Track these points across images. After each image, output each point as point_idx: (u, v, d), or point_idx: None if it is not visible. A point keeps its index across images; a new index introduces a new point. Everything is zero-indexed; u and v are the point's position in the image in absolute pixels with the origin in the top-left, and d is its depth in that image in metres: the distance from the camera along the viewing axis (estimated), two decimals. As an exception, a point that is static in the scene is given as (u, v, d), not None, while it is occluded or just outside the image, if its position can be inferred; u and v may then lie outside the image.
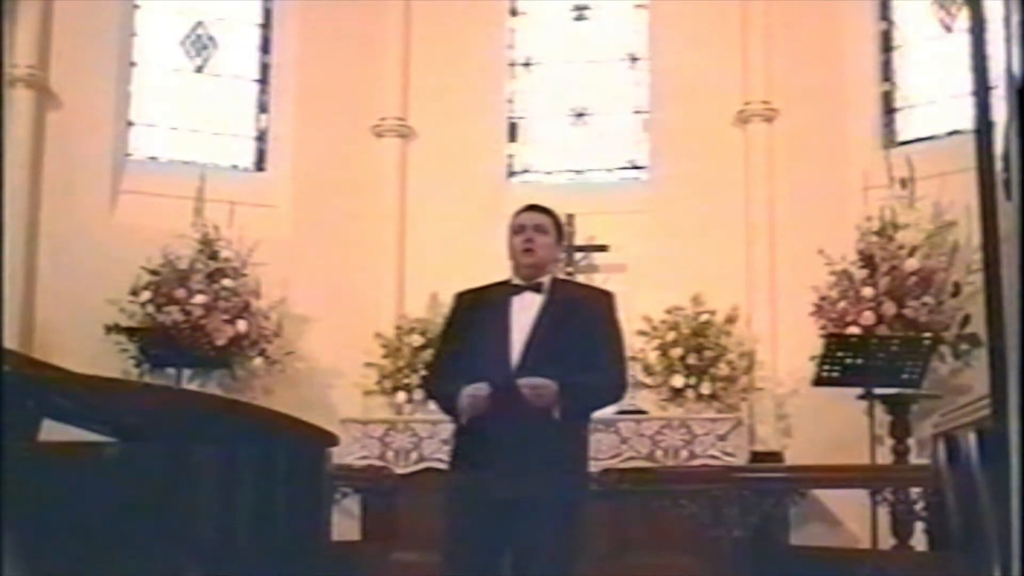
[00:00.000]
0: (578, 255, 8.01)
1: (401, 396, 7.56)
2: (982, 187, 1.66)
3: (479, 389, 3.49)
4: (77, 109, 7.84)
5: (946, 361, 6.72)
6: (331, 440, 3.55)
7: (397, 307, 8.11)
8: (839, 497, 6.89)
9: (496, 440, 3.46)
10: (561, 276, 3.86)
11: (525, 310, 3.62)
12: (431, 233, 8.25)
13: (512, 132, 8.76)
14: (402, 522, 6.62)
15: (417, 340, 7.57)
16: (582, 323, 3.61)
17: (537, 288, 3.67)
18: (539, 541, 3.46)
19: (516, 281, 3.71)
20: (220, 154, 8.48)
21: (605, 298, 3.76)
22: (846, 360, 6.11)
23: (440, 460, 6.86)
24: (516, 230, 3.72)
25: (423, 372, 6.88)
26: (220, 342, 7.39)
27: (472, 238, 7.93)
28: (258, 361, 7.64)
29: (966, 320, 6.63)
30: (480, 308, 3.70)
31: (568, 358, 3.50)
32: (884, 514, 5.80)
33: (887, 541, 5.84)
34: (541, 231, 3.70)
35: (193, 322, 7.33)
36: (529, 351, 3.54)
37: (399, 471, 6.97)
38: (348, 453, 6.92)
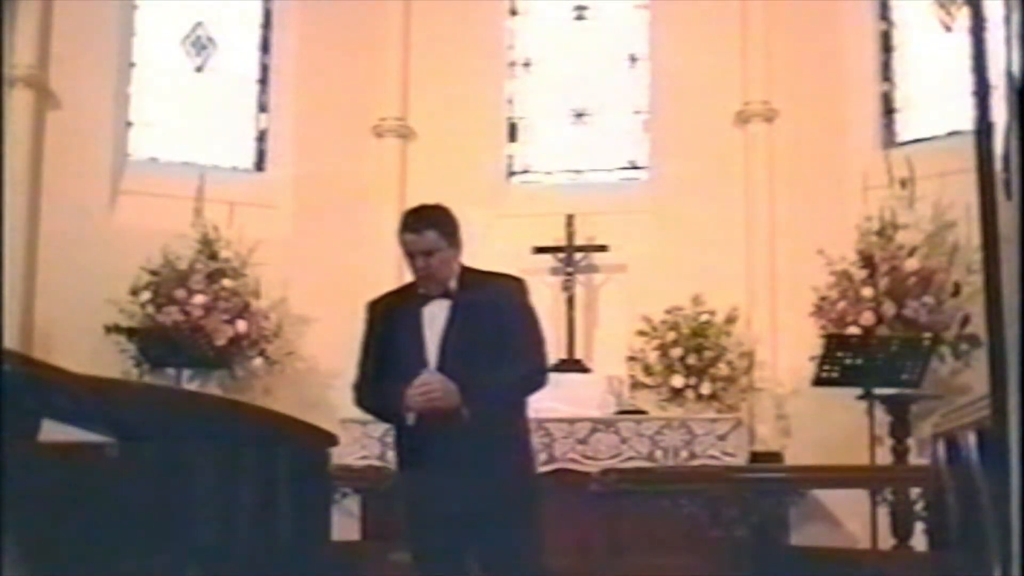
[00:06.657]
0: (578, 255, 8.00)
1: (401, 396, 7.53)
2: (982, 187, 1.66)
3: (431, 376, 3.43)
4: (77, 109, 7.83)
5: (946, 361, 6.71)
6: (331, 440, 3.55)
7: (397, 307, 8.10)
8: (839, 497, 6.89)
9: (435, 448, 3.44)
10: (467, 267, 3.67)
11: (435, 318, 3.56)
12: (431, 233, 8.22)
13: (512, 132, 8.75)
14: (402, 522, 6.61)
15: (417, 340, 7.56)
16: (492, 318, 3.54)
17: (445, 294, 3.60)
18: (496, 548, 3.49)
19: (423, 290, 3.63)
20: (220, 154, 8.46)
21: (512, 286, 3.68)
22: (846, 360, 6.09)
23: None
24: (406, 252, 3.61)
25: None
26: (220, 342, 7.39)
27: (472, 238, 7.92)
28: (258, 361, 7.64)
29: (966, 320, 6.62)
30: (393, 318, 3.65)
31: (484, 356, 3.46)
32: (884, 514, 5.80)
33: (887, 541, 5.84)
34: (430, 254, 3.56)
35: (193, 322, 7.33)
36: (445, 359, 3.49)
37: (399, 471, 6.96)
38: (348, 453, 6.91)
